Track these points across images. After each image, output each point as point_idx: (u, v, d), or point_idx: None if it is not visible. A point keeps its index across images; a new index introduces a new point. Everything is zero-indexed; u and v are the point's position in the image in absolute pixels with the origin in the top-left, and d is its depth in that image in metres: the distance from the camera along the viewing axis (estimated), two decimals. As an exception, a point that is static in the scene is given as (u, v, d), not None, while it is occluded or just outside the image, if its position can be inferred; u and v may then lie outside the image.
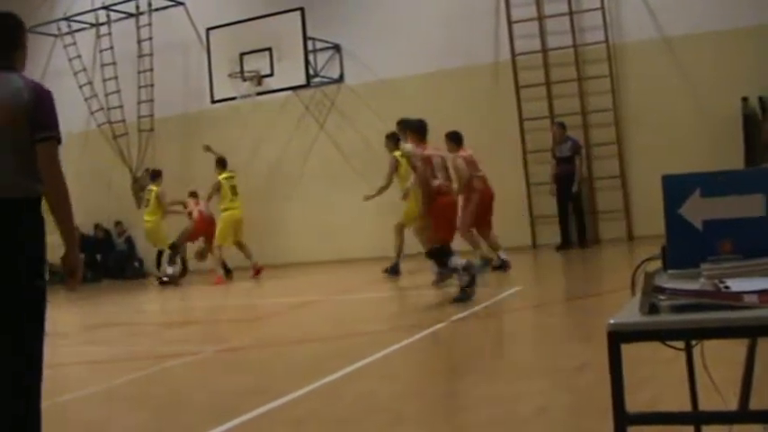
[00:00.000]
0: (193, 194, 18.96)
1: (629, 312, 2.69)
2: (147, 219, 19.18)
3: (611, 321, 2.60)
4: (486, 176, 15.00)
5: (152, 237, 19.35)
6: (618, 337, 2.62)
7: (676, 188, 3.06)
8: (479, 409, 5.91)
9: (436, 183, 11.87)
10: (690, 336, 2.95)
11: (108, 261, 22.86)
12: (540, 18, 18.83)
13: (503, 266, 14.53)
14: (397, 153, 14.42)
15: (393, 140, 14.99)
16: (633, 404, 2.61)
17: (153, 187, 19.27)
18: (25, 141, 4.65)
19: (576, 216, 18.07)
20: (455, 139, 14.99)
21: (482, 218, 14.74)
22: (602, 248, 17.56)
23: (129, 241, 23.43)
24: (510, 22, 19.02)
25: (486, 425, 5.48)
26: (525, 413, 5.59)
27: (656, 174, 3.50)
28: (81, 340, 11.96)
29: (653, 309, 2.58)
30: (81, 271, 4.96)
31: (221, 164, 18.03)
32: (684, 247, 3.05)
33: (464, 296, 10.99)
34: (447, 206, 12.17)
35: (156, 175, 19.23)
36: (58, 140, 4.78)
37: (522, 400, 5.95)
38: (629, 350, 2.82)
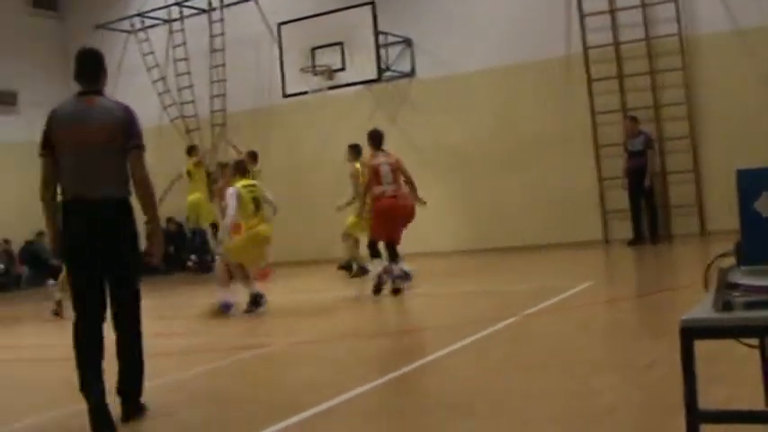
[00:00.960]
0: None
1: (703, 309, 2.66)
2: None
3: (684, 318, 2.58)
4: (397, 188, 13.65)
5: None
6: (691, 334, 2.59)
7: (751, 183, 3.01)
8: (548, 404, 5.89)
9: (380, 189, 13.14)
10: (764, 333, 2.91)
11: (181, 254, 23.07)
12: (612, 11, 18.65)
13: (361, 271, 15.63)
14: (357, 164, 15.22)
15: (355, 151, 15.78)
16: (705, 402, 2.59)
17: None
18: (120, 151, 6.34)
19: (648, 211, 17.90)
20: (374, 142, 14.03)
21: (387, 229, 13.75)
22: (675, 244, 17.37)
23: (202, 234, 23.64)
24: (582, 15, 18.88)
25: (556, 420, 5.45)
26: (595, 409, 5.55)
27: (729, 168, 3.46)
28: (152, 332, 12.04)
29: (726, 305, 2.56)
30: (161, 252, 6.67)
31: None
32: (759, 242, 3.00)
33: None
34: (384, 209, 13.19)
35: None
36: (143, 149, 6.46)
37: (592, 395, 5.92)
38: (701, 347, 2.78)
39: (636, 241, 17.65)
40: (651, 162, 17.66)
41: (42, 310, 14.39)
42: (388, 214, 13.19)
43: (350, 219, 15.80)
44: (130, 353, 6.48)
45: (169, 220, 23.42)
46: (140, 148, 6.43)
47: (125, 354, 6.44)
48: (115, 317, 6.44)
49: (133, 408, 6.47)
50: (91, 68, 6.61)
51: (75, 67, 6.63)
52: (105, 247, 6.31)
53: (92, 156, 6.28)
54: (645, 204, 17.86)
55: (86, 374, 6.21)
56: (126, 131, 6.34)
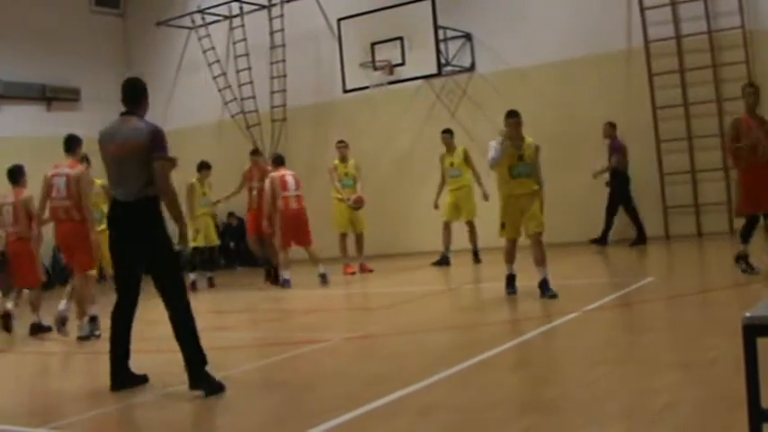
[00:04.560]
0: None
1: (766, 306, 2.63)
2: None
3: (747, 315, 2.56)
4: (295, 196, 16.32)
5: None
6: (754, 331, 2.57)
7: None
8: (609, 401, 5.87)
9: (284, 195, 15.99)
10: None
11: (241, 248, 23.22)
12: (674, 3, 18.47)
13: (323, 279, 16.12)
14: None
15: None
16: (768, 401, 2.57)
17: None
18: (146, 162, 7.39)
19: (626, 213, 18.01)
20: (275, 161, 16.98)
21: (294, 235, 16.32)
22: (736, 240, 17.18)
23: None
24: (642, 9, 18.72)
25: (616, 417, 5.43)
26: (655, 406, 5.52)
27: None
28: (214, 326, 12.18)
29: (790, 303, 2.53)
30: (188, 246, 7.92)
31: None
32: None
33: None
34: (288, 218, 16.09)
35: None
36: (167, 159, 7.51)
37: (652, 393, 5.88)
38: (764, 345, 2.76)
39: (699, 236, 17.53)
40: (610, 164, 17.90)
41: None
42: None
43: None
44: (178, 330, 7.44)
45: (230, 214, 23.58)
46: (164, 159, 7.47)
47: (176, 332, 7.45)
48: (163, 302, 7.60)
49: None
50: (131, 94, 7.81)
51: (121, 92, 7.86)
52: (130, 240, 7.61)
53: (123, 165, 7.52)
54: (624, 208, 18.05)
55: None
56: (151, 146, 7.41)
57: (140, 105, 7.77)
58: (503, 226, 11.66)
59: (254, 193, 17.40)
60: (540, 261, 11.44)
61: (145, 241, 7.53)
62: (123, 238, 7.63)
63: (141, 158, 7.42)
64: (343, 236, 17.70)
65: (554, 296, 11.04)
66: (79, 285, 11.42)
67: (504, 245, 11.93)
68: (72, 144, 11.56)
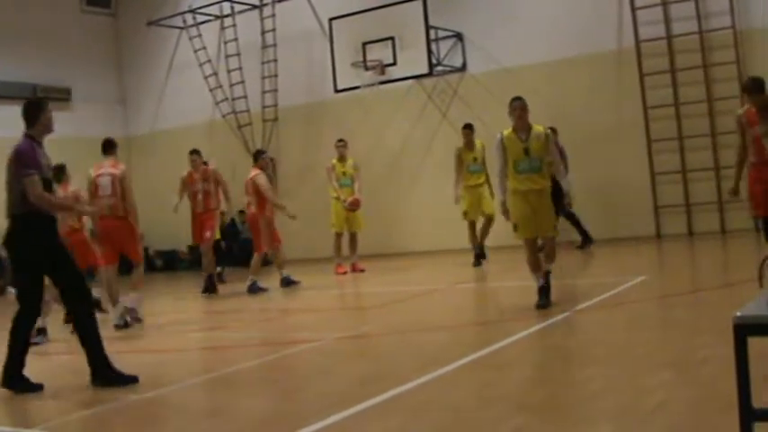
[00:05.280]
0: None
1: (757, 306, 2.64)
2: None
3: (738, 314, 2.57)
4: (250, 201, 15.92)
5: None
6: (744, 330, 2.58)
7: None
8: (600, 400, 5.87)
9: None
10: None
11: (233, 249, 23.19)
12: (665, 3, 18.51)
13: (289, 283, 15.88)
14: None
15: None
16: (759, 401, 2.58)
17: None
18: (16, 178, 7.81)
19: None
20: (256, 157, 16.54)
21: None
22: (730, 240, 17.23)
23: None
24: (634, 9, 18.76)
25: (608, 417, 5.44)
26: (647, 406, 5.53)
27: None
28: (206, 326, 12.18)
29: (781, 303, 2.54)
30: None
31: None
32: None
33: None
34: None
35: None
36: (33, 176, 7.75)
37: (644, 392, 5.89)
38: (755, 344, 2.77)
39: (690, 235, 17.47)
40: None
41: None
42: None
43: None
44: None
45: (222, 214, 23.53)
46: (28, 175, 7.77)
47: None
48: None
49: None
50: (24, 115, 8.11)
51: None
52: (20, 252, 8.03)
53: (6, 181, 7.98)
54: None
55: None
56: (16, 165, 7.86)
57: (32, 125, 8.08)
58: (515, 227, 10.31)
59: (200, 197, 16.62)
60: (547, 257, 10.53)
61: (35, 252, 7.92)
62: (15, 249, 8.03)
63: (12, 175, 7.89)
64: (339, 235, 17.59)
65: (543, 306, 10.11)
66: (136, 274, 12.39)
67: (525, 250, 10.49)
68: (110, 147, 12.57)
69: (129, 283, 12.35)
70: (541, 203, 10.32)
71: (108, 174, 12.22)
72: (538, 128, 10.44)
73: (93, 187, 12.26)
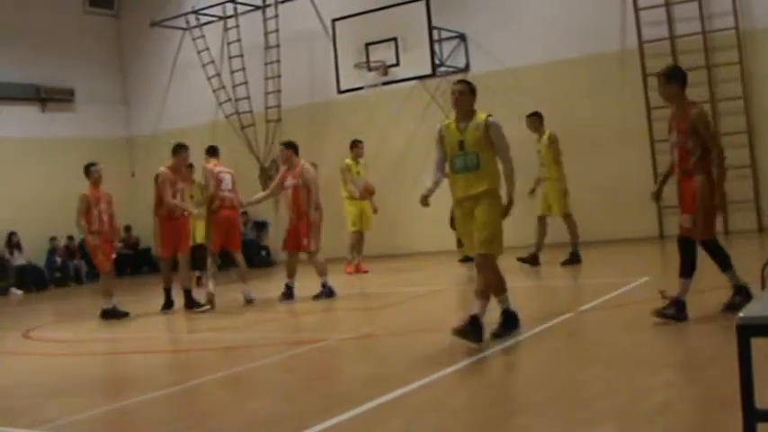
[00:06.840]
0: None
1: (760, 306, 2.64)
2: None
3: (741, 315, 2.56)
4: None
5: None
6: (747, 331, 2.58)
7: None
8: (603, 401, 5.86)
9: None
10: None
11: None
12: (668, 4, 18.52)
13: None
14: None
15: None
16: (763, 401, 2.57)
17: None
18: None
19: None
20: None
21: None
22: (732, 240, 17.20)
23: (257, 230, 23.82)
24: (637, 9, 18.77)
25: (612, 417, 5.43)
26: (649, 406, 5.53)
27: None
28: (210, 327, 12.16)
29: (784, 303, 2.53)
30: None
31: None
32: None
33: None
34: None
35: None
36: None
37: (648, 392, 5.88)
38: (758, 345, 2.77)
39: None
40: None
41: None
42: None
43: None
44: None
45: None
46: None
47: None
48: None
49: None
50: None
51: None
52: None
53: None
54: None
55: None
56: None
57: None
58: (458, 242, 8.52)
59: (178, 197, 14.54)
60: (478, 291, 8.45)
61: None
62: None
63: None
64: (358, 234, 17.56)
65: (478, 341, 8.02)
66: (241, 261, 14.51)
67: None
68: (214, 151, 14.84)
69: (240, 276, 14.48)
70: (477, 212, 8.44)
71: (228, 172, 14.35)
72: (480, 116, 8.54)
73: (218, 182, 14.10)
